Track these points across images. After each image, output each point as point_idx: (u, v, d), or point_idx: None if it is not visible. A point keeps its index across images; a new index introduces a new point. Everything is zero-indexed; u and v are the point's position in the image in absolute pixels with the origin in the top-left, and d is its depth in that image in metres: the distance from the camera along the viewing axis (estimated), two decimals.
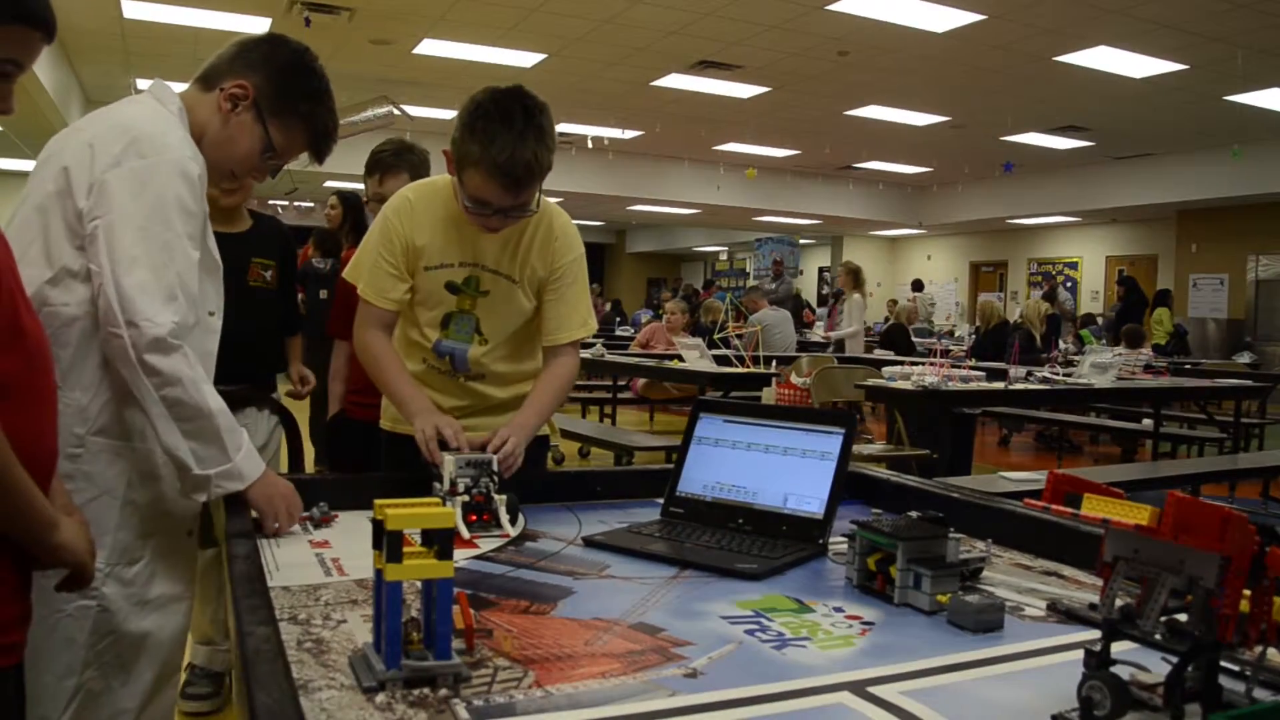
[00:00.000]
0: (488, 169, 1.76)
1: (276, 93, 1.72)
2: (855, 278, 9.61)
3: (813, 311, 16.11)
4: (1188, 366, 9.14)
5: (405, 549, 0.93)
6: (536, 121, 1.79)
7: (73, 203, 1.54)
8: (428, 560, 0.94)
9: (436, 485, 1.70)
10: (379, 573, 0.95)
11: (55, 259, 1.55)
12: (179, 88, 1.75)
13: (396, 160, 2.77)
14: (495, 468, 1.70)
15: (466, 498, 1.62)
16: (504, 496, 1.65)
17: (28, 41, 1.21)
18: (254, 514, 1.58)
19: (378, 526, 0.95)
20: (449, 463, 1.68)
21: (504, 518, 1.63)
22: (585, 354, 6.94)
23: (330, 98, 1.79)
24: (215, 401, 1.56)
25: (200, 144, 1.69)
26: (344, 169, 13.00)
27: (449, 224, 1.95)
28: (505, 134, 1.75)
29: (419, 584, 0.98)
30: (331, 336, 2.90)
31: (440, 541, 0.94)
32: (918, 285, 18.42)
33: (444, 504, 1.48)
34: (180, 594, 1.74)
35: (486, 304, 1.99)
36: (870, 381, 5.55)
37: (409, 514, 0.94)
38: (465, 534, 1.56)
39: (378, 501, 0.96)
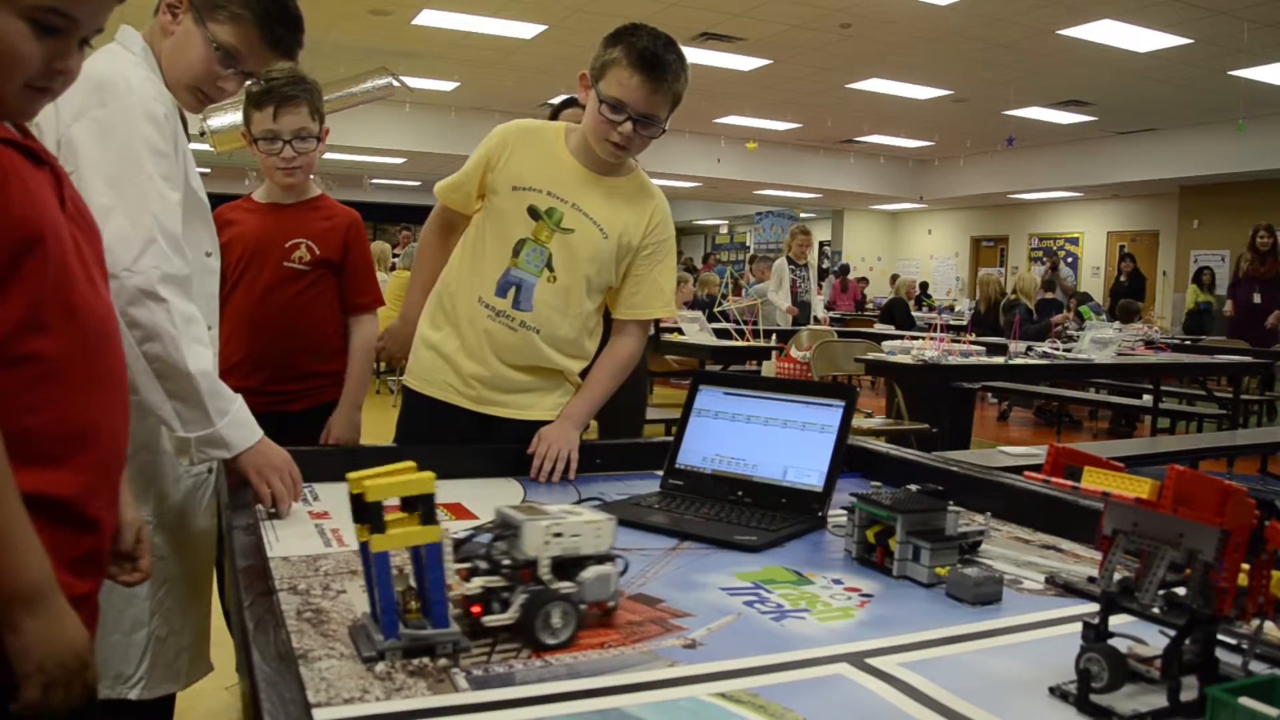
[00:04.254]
0: (631, 60, 1.83)
1: None
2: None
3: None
4: (1187, 343, 9.13)
5: (388, 517, 0.93)
6: (678, 47, 1.88)
7: None
8: (412, 527, 0.93)
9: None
10: (364, 545, 0.94)
11: None
12: None
13: (293, 90, 2.21)
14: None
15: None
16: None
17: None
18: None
19: (356, 500, 0.93)
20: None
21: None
22: None
23: None
24: (197, 363, 1.50)
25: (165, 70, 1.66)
26: (346, 140, 12.99)
27: (551, 158, 1.98)
28: (650, 37, 1.85)
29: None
30: None
31: (422, 507, 0.93)
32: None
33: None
34: (210, 526, 1.79)
35: (565, 241, 1.95)
36: (870, 355, 5.55)
37: (386, 483, 0.92)
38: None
39: (350, 475, 0.93)
